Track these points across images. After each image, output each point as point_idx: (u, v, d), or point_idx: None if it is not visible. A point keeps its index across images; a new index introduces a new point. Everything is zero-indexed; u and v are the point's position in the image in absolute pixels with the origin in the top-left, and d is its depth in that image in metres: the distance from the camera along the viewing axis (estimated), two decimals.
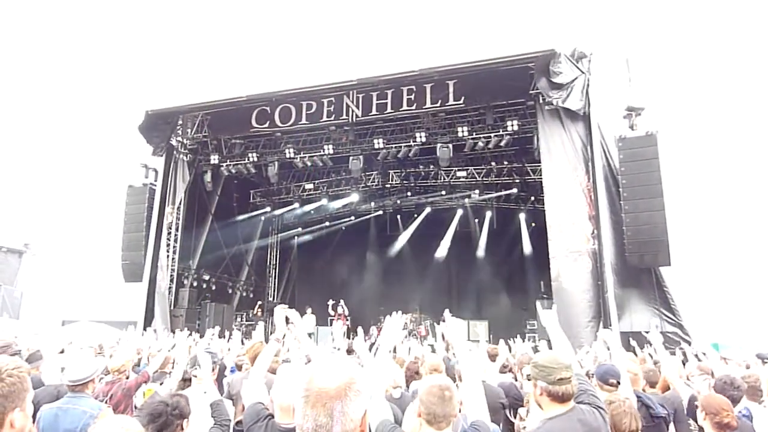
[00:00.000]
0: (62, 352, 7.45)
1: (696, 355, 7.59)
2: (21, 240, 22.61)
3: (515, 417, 4.99)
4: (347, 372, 1.55)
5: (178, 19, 30.42)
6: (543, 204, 14.76)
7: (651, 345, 6.54)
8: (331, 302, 20.22)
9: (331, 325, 19.11)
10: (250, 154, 18.67)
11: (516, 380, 5.77)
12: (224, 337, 11.38)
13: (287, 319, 4.06)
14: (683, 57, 25.22)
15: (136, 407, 5.01)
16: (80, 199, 26.94)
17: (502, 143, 16.39)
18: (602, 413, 2.99)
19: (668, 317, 12.76)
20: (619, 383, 4.20)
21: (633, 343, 9.12)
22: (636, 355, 7.79)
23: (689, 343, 11.22)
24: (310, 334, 17.88)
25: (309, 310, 18.58)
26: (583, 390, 3.07)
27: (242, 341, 8.88)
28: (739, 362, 7.76)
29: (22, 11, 30.45)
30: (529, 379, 3.71)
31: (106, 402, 4.81)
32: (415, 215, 24.52)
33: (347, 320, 19.49)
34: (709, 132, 23.21)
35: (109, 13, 31.33)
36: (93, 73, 30.13)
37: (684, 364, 6.15)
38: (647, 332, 7.34)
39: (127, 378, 5.38)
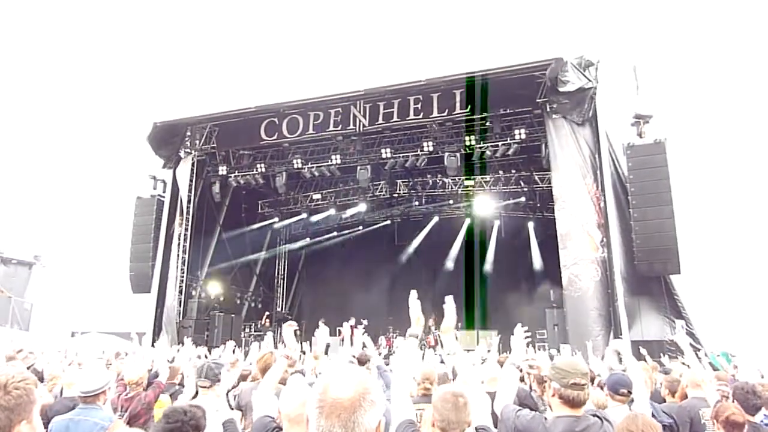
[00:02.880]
0: (70, 364, 7.44)
1: (711, 364, 7.50)
2: (31, 252, 22.76)
3: None
4: (361, 382, 1.52)
5: (187, 32, 30.69)
6: (552, 212, 14.73)
7: (679, 347, 6.45)
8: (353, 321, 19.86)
9: (339, 335, 18.98)
10: (258, 165, 18.73)
11: (531, 389, 5.70)
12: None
13: (295, 334, 4.07)
14: (691, 64, 25.17)
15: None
16: (89, 211, 27.09)
17: (510, 152, 16.37)
18: (611, 423, 2.99)
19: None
20: (630, 392, 4.15)
21: (643, 351, 9.02)
22: (646, 361, 7.71)
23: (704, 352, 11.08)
24: (327, 345, 17.81)
25: (321, 321, 18.45)
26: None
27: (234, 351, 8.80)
28: (753, 371, 7.65)
29: (32, 25, 30.80)
30: (543, 381, 3.72)
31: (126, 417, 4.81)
32: (423, 224, 24.48)
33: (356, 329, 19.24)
34: (717, 139, 23.10)
35: (119, 26, 31.65)
36: (101, 86, 30.40)
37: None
38: (674, 334, 7.26)
39: (145, 390, 5.36)
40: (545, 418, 3.08)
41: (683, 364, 7.00)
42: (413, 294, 3.32)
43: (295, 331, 4.44)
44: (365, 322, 19.31)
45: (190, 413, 3.05)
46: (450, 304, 3.39)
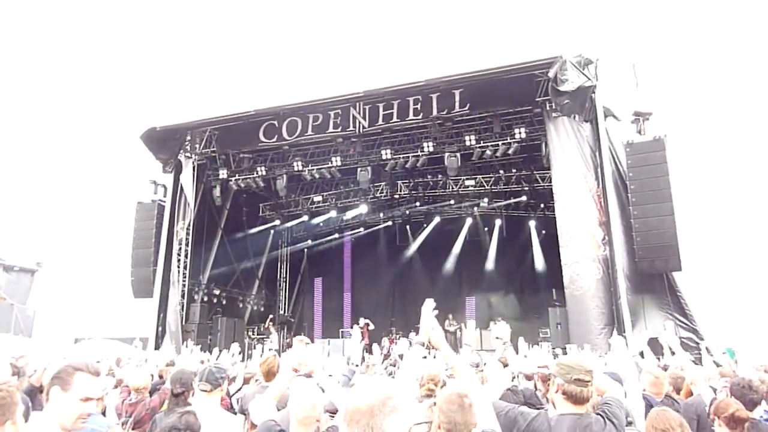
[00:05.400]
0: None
1: (715, 362, 7.49)
2: (33, 259, 22.75)
3: None
4: (382, 390, 1.54)
5: (186, 36, 30.72)
6: (553, 211, 14.73)
7: (670, 348, 6.45)
8: (362, 322, 19.68)
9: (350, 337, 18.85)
10: (258, 168, 18.75)
11: (536, 389, 5.69)
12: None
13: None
14: (690, 61, 25.15)
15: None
16: (90, 217, 27.12)
17: (510, 151, 16.37)
18: (614, 424, 2.96)
19: (682, 322, 12.64)
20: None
21: (647, 348, 9.00)
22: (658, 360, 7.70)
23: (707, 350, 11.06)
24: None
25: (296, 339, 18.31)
26: (607, 403, 3.08)
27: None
28: (757, 366, 7.64)
29: (34, 33, 30.86)
30: (548, 380, 3.74)
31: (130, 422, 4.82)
32: (425, 225, 24.48)
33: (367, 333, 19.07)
34: (717, 135, 23.08)
35: (119, 34, 31.69)
36: (101, 91, 30.44)
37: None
38: (661, 335, 7.25)
39: (150, 396, 5.36)
40: (549, 416, 3.07)
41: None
42: (429, 303, 3.27)
43: (306, 344, 4.50)
44: (362, 322, 19.19)
45: (183, 425, 3.02)
46: (426, 311, 3.30)
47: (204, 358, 8.86)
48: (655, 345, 9.24)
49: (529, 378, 6.29)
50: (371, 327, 19.57)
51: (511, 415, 3.10)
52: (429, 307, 3.23)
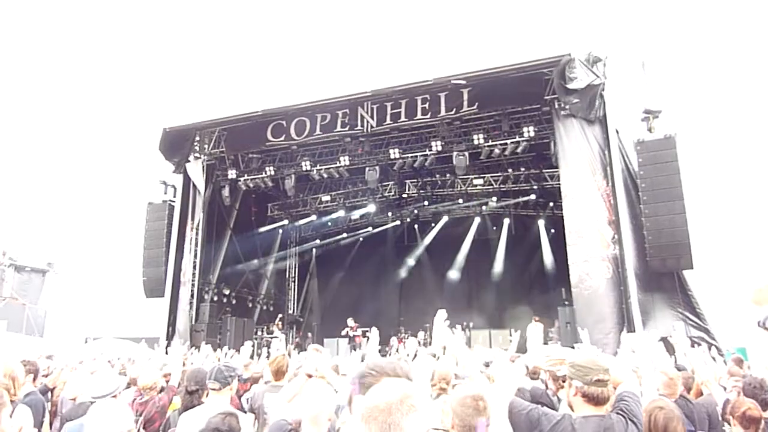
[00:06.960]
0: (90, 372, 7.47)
1: (725, 361, 7.44)
2: (44, 260, 22.94)
3: None
4: (401, 388, 1.55)
5: (194, 37, 30.84)
6: (562, 210, 14.64)
7: (678, 348, 6.42)
8: (351, 323, 19.65)
9: (352, 340, 18.86)
10: (267, 168, 18.80)
11: (547, 387, 5.66)
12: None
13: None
14: (700, 58, 24.95)
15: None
16: (101, 217, 27.29)
17: (519, 150, 16.29)
18: (635, 423, 2.92)
19: (694, 322, 12.53)
20: None
21: (660, 346, 8.94)
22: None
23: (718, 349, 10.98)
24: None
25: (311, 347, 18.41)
26: (624, 400, 3.03)
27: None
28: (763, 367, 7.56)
29: (43, 36, 31.08)
30: (558, 378, 3.72)
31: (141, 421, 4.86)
32: (433, 224, 24.44)
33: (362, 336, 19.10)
34: (728, 132, 22.89)
35: (127, 34, 31.86)
36: (111, 93, 30.61)
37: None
38: (671, 335, 7.19)
39: (158, 394, 5.40)
40: (572, 419, 3.03)
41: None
42: (441, 314, 3.26)
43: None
44: (351, 322, 19.21)
45: (225, 428, 3.04)
46: (438, 322, 3.31)
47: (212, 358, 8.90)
48: (665, 344, 9.18)
49: (535, 376, 6.26)
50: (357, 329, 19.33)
51: (533, 414, 3.02)
52: (441, 317, 3.21)
